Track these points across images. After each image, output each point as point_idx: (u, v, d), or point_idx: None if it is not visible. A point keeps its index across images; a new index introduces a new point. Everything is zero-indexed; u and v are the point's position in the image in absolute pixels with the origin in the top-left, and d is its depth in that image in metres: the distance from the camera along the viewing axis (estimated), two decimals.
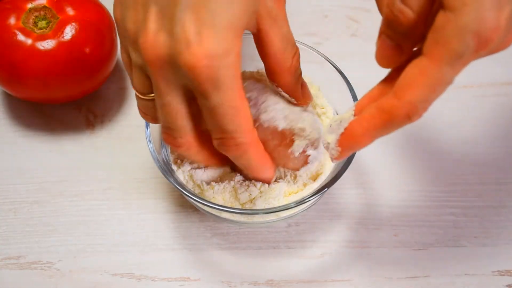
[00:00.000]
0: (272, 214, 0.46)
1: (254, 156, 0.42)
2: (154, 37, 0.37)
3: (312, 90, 0.51)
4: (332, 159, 0.43)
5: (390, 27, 0.39)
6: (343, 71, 0.50)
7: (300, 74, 0.45)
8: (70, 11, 0.54)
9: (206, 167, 0.48)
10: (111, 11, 0.57)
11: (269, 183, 0.47)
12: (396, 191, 0.55)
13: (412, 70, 0.36)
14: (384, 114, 0.38)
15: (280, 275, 0.51)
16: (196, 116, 0.41)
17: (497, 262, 0.51)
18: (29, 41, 0.53)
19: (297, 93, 0.46)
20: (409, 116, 0.37)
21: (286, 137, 0.45)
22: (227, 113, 0.39)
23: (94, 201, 0.55)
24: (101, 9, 0.56)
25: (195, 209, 0.54)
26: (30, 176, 0.56)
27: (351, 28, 0.66)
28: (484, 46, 0.34)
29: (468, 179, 0.55)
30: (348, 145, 0.41)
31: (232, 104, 0.38)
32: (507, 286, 0.50)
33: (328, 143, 0.42)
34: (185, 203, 0.54)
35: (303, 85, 0.46)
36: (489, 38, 0.34)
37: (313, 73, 0.51)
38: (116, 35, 0.57)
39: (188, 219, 0.54)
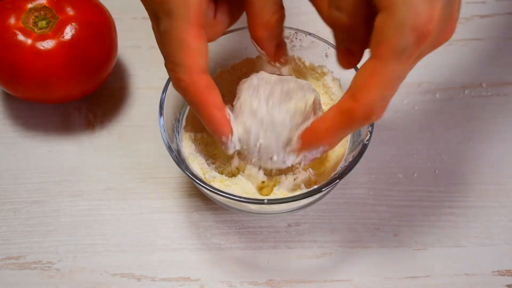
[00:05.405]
0: (283, 204, 0.47)
1: (194, 98, 0.42)
2: None
3: (334, 83, 0.52)
4: (291, 152, 0.45)
5: (333, 31, 0.41)
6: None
7: (278, 34, 0.46)
8: (70, 11, 0.54)
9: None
10: (111, 11, 0.58)
11: (222, 143, 0.45)
12: (396, 191, 0.55)
13: (363, 71, 0.38)
14: (344, 115, 0.39)
15: (280, 275, 0.51)
16: None
17: (497, 262, 0.51)
18: (29, 41, 0.53)
19: (268, 50, 0.46)
20: (368, 116, 0.38)
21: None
22: (173, 44, 0.40)
23: (94, 201, 0.55)
24: (101, 9, 0.56)
25: (195, 210, 0.54)
26: (30, 176, 0.56)
27: None
28: (423, 39, 0.35)
29: (468, 179, 0.55)
30: (308, 141, 0.43)
31: (180, 35, 0.40)
32: (507, 286, 0.50)
33: (291, 139, 0.44)
34: (185, 203, 0.54)
35: (281, 46, 0.47)
36: (426, 30, 0.35)
37: (335, 68, 0.51)
38: (116, 35, 0.57)
39: (188, 219, 0.54)
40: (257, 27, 0.44)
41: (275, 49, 0.47)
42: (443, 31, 0.37)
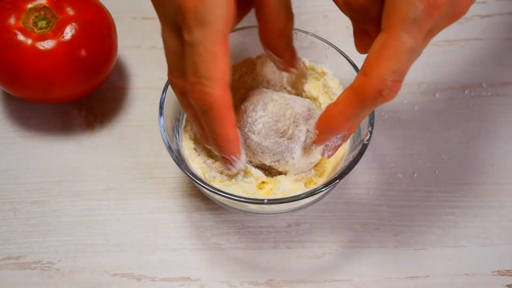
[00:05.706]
0: (283, 204, 0.47)
1: (218, 114, 0.40)
2: None
3: (333, 83, 0.52)
4: (311, 144, 0.44)
5: (349, 14, 0.41)
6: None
7: (291, 40, 0.46)
8: (70, 11, 0.54)
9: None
10: (111, 11, 0.58)
11: (229, 162, 0.45)
12: (396, 191, 0.55)
13: (375, 46, 0.37)
14: (356, 92, 0.39)
15: (280, 275, 0.51)
16: None
17: (497, 262, 0.51)
18: (29, 41, 0.53)
19: (284, 57, 0.46)
20: (379, 90, 0.37)
21: (282, 130, 0.46)
22: (203, 55, 0.39)
23: (94, 201, 0.55)
24: (101, 9, 0.56)
25: (195, 210, 0.54)
26: (30, 176, 0.56)
27: (351, 28, 0.65)
28: (435, 8, 0.35)
29: (468, 179, 0.55)
30: (325, 127, 0.42)
31: (211, 47, 0.39)
32: (507, 286, 0.50)
33: (307, 130, 0.44)
34: (185, 203, 0.54)
35: (292, 52, 0.47)
36: None
37: (335, 68, 0.52)
38: (116, 35, 0.57)
39: (188, 220, 0.54)
40: (274, 35, 0.44)
41: (290, 56, 0.46)
42: (456, 3, 0.37)
